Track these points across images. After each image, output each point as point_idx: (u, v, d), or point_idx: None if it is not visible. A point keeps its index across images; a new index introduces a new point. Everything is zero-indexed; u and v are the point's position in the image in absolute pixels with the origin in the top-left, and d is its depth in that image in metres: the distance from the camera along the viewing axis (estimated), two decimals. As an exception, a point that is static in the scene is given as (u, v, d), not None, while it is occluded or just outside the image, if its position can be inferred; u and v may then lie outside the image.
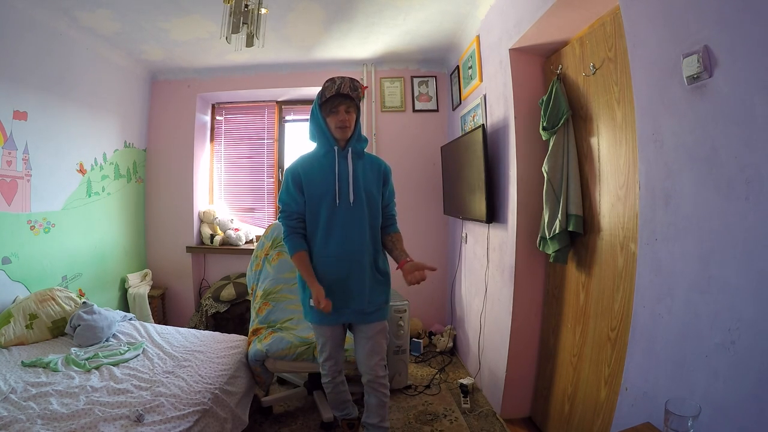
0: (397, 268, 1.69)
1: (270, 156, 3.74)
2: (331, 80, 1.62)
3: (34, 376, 1.73)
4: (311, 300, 1.61)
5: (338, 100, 1.61)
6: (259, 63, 3.35)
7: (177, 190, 3.53)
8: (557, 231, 1.76)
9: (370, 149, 3.30)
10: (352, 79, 1.62)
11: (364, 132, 3.38)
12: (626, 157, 1.50)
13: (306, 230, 1.69)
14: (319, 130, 1.67)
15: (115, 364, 1.88)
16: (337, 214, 1.65)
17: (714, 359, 0.96)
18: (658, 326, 1.15)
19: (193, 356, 1.98)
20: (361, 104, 1.64)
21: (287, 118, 3.75)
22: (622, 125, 1.53)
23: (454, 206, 2.84)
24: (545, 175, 1.85)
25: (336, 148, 1.66)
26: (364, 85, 3.37)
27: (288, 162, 3.76)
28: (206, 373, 1.82)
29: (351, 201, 1.65)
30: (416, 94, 3.45)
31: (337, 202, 1.64)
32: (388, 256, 1.79)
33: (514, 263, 2.10)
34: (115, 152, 3.17)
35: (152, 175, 3.57)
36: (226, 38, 1.90)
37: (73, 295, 2.41)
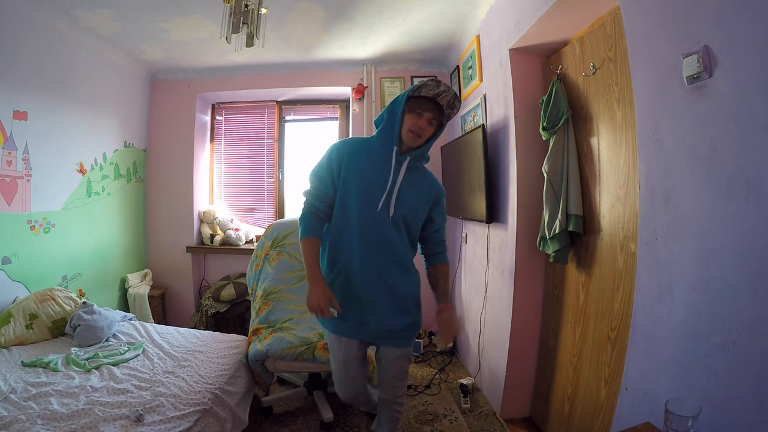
0: (437, 313, 1.53)
1: (270, 156, 3.74)
2: (436, 81, 1.40)
3: (34, 376, 1.73)
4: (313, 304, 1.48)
5: (429, 105, 1.41)
6: (259, 63, 3.35)
7: (177, 190, 3.53)
8: (557, 231, 1.76)
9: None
10: (456, 96, 1.43)
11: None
12: (626, 157, 1.50)
13: (329, 217, 1.50)
14: (390, 122, 1.46)
15: (115, 364, 1.88)
16: (371, 221, 1.44)
17: (714, 359, 0.96)
18: (658, 326, 1.15)
19: (193, 356, 1.98)
20: (446, 122, 1.49)
21: (287, 118, 3.75)
22: (622, 125, 1.53)
23: (454, 206, 2.84)
24: (545, 175, 1.85)
25: (395, 149, 1.45)
26: (364, 85, 3.37)
27: (288, 162, 3.76)
28: (206, 373, 1.82)
29: (390, 214, 1.44)
30: (416, 94, 3.44)
31: (379, 207, 1.44)
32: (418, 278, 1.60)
33: (514, 263, 2.10)
34: (115, 152, 3.17)
35: (152, 175, 3.57)
36: (226, 38, 1.90)
37: (73, 295, 2.41)
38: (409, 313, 1.52)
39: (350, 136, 3.46)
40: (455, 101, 1.43)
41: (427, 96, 1.41)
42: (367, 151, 1.49)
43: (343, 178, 1.46)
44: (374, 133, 1.53)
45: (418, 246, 1.63)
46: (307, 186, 1.53)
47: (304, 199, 1.52)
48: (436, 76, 1.32)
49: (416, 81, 3.44)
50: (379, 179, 1.45)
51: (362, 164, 1.46)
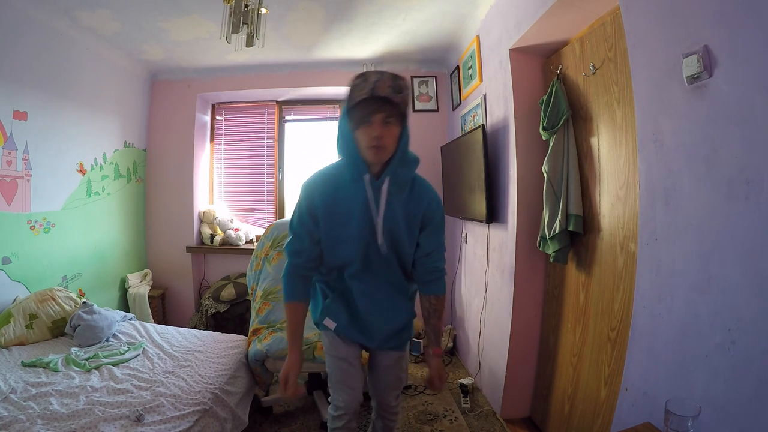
0: (425, 356, 1.43)
1: (270, 156, 3.74)
2: (362, 76, 1.13)
3: (34, 376, 1.73)
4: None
5: (372, 107, 1.13)
6: (259, 63, 3.35)
7: (177, 190, 3.53)
8: (557, 231, 1.76)
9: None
10: (394, 76, 1.13)
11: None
12: (626, 157, 1.50)
13: (316, 269, 1.35)
14: (346, 148, 1.22)
15: (115, 364, 1.88)
16: (362, 261, 1.29)
17: (714, 359, 0.96)
18: (658, 326, 1.15)
19: (193, 356, 1.98)
20: (407, 109, 1.20)
21: (287, 118, 3.75)
22: (622, 125, 1.53)
23: (454, 206, 2.84)
24: (545, 175, 1.85)
25: (367, 176, 1.21)
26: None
27: (288, 162, 3.76)
28: (206, 373, 1.82)
29: (382, 252, 1.28)
30: (416, 94, 3.44)
31: (367, 249, 1.28)
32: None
33: (514, 263, 2.09)
34: (115, 152, 3.17)
35: (152, 175, 3.57)
36: (226, 38, 1.90)
37: (73, 295, 2.41)
38: (406, 327, 1.45)
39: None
40: (396, 82, 1.13)
41: (363, 98, 1.13)
42: (340, 188, 1.25)
43: (323, 227, 1.27)
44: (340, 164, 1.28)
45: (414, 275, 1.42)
46: (289, 243, 1.34)
47: (286, 256, 1.34)
48: (398, 74, 1.13)
49: (416, 81, 3.44)
50: (359, 221, 1.25)
51: (338, 204, 1.25)
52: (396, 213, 1.26)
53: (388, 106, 1.14)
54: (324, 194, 1.26)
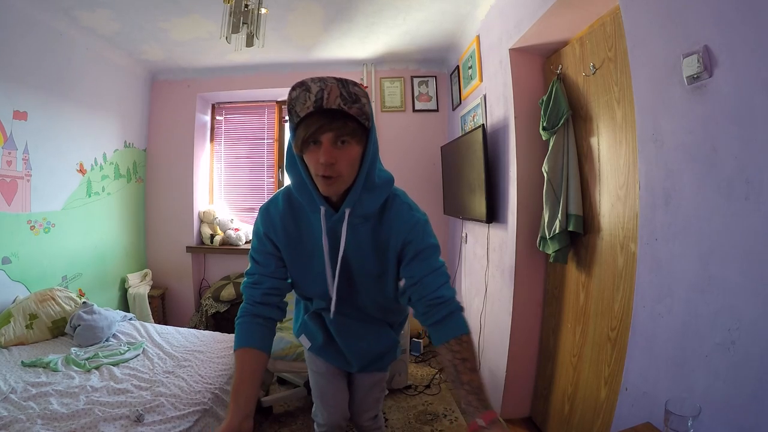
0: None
1: (270, 156, 3.74)
2: (302, 85, 0.87)
3: (34, 376, 1.73)
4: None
5: (319, 121, 0.87)
6: (259, 63, 3.35)
7: (177, 190, 3.53)
8: (557, 231, 1.76)
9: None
10: (344, 82, 0.86)
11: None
12: (626, 157, 1.50)
13: (277, 306, 1.10)
14: (295, 175, 0.99)
15: (115, 364, 1.88)
16: (334, 301, 1.08)
17: (714, 359, 0.96)
18: (658, 326, 1.15)
19: (193, 356, 1.98)
20: (368, 121, 0.93)
21: (287, 118, 3.74)
22: (622, 125, 1.52)
23: (454, 206, 2.84)
24: (545, 175, 1.85)
25: (323, 209, 0.98)
26: (364, 85, 3.36)
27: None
28: (206, 372, 1.82)
29: (356, 290, 1.10)
30: (416, 94, 3.45)
31: (333, 291, 1.07)
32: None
33: (514, 263, 2.09)
34: (115, 152, 3.17)
35: (152, 175, 3.57)
36: (226, 38, 1.90)
37: (73, 295, 2.41)
38: (390, 351, 1.30)
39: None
40: (348, 88, 0.87)
41: (308, 113, 0.89)
42: (301, 215, 1.05)
43: (286, 259, 1.09)
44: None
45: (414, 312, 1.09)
46: (247, 272, 1.10)
47: (242, 290, 1.09)
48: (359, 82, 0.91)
49: (416, 81, 3.44)
50: (321, 258, 1.04)
51: (300, 239, 1.06)
52: (363, 246, 1.04)
53: (340, 122, 0.87)
54: (284, 220, 1.05)
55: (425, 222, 1.05)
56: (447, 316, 0.97)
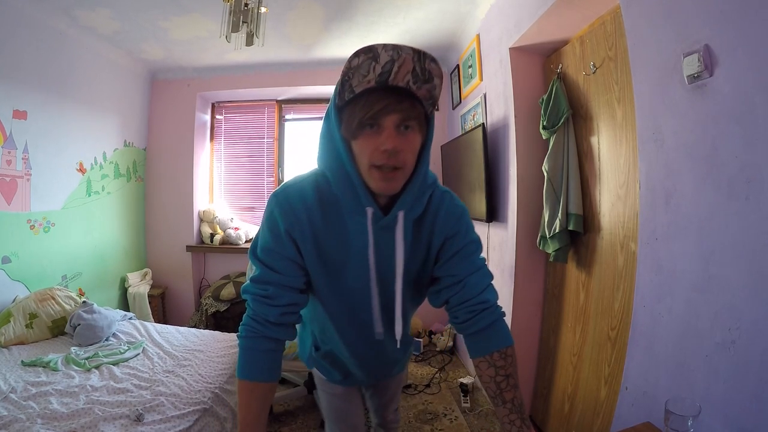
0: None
1: (270, 155, 3.73)
2: (369, 51, 0.69)
3: (34, 375, 1.73)
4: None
5: (383, 103, 0.71)
6: (258, 62, 3.34)
7: (177, 189, 3.52)
8: (557, 230, 1.76)
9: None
10: (420, 55, 0.70)
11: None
12: (626, 157, 1.50)
13: (293, 327, 0.89)
14: (337, 167, 0.79)
15: (115, 364, 1.88)
16: (359, 334, 0.95)
17: (714, 359, 0.96)
18: (658, 326, 1.15)
19: (193, 355, 1.98)
20: (433, 107, 0.80)
21: (287, 117, 3.74)
22: (622, 124, 1.52)
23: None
24: (545, 174, 1.85)
25: (371, 210, 0.79)
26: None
27: (289, 161, 3.75)
28: (206, 372, 1.82)
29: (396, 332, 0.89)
30: (416, 93, 3.44)
31: (376, 325, 0.90)
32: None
33: (514, 262, 2.09)
34: (115, 151, 3.17)
35: (152, 175, 3.57)
36: (226, 37, 1.90)
37: (73, 295, 2.41)
38: (408, 353, 1.21)
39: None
40: (424, 64, 0.71)
41: (370, 89, 0.72)
42: (327, 214, 0.83)
43: (308, 266, 0.86)
44: (321, 169, 0.84)
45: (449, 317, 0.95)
46: (252, 279, 0.86)
47: (247, 299, 0.86)
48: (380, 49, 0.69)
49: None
50: (354, 273, 0.86)
51: (330, 243, 0.84)
52: (430, 250, 0.89)
53: (408, 103, 0.73)
54: (312, 216, 0.82)
55: (468, 212, 0.93)
56: (492, 324, 0.87)
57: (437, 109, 0.80)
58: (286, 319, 0.85)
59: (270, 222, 0.84)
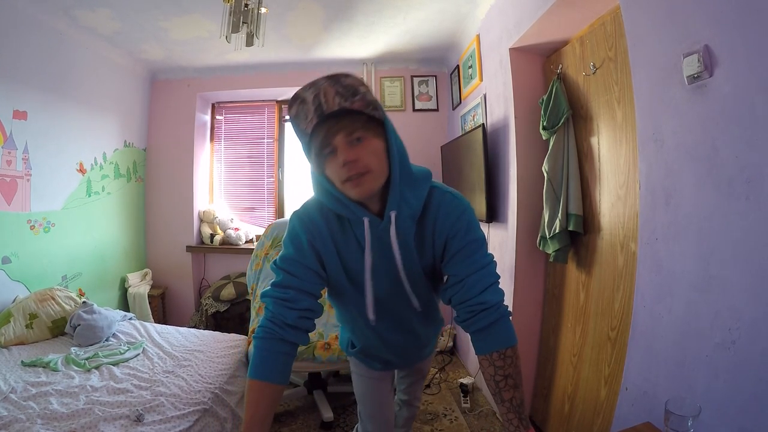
0: None
1: (270, 155, 3.74)
2: (296, 99, 0.82)
3: (34, 375, 1.73)
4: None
5: (324, 128, 0.82)
6: (259, 62, 3.35)
7: (177, 189, 3.52)
8: (557, 230, 1.76)
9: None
10: (335, 78, 0.80)
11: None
12: (626, 157, 1.50)
13: (307, 330, 0.94)
14: (326, 194, 0.89)
15: (115, 364, 1.88)
16: (383, 317, 1.02)
17: (714, 359, 0.96)
18: (658, 326, 1.15)
19: (193, 356, 1.98)
20: (378, 111, 0.86)
21: (287, 117, 3.74)
22: (622, 125, 1.52)
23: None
24: (545, 174, 1.85)
25: (367, 219, 0.88)
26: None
27: (288, 162, 3.75)
28: (206, 372, 1.82)
29: (413, 304, 1.00)
30: (416, 93, 3.44)
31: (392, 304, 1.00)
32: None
33: (514, 263, 2.09)
34: (115, 152, 3.17)
35: (152, 175, 3.57)
36: (226, 37, 1.90)
37: (73, 295, 2.41)
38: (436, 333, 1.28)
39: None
40: (343, 82, 0.80)
41: (315, 124, 0.83)
42: (340, 234, 0.93)
43: (330, 276, 0.97)
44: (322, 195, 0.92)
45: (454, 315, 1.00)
46: (274, 285, 0.92)
47: (266, 300, 0.92)
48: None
49: (416, 80, 3.43)
50: (374, 278, 0.94)
51: (348, 250, 0.94)
52: (434, 247, 0.95)
53: (347, 120, 0.81)
54: (331, 228, 0.92)
55: (472, 211, 0.94)
56: (491, 325, 0.90)
57: (383, 112, 0.87)
58: (303, 323, 0.92)
59: (292, 236, 0.94)
